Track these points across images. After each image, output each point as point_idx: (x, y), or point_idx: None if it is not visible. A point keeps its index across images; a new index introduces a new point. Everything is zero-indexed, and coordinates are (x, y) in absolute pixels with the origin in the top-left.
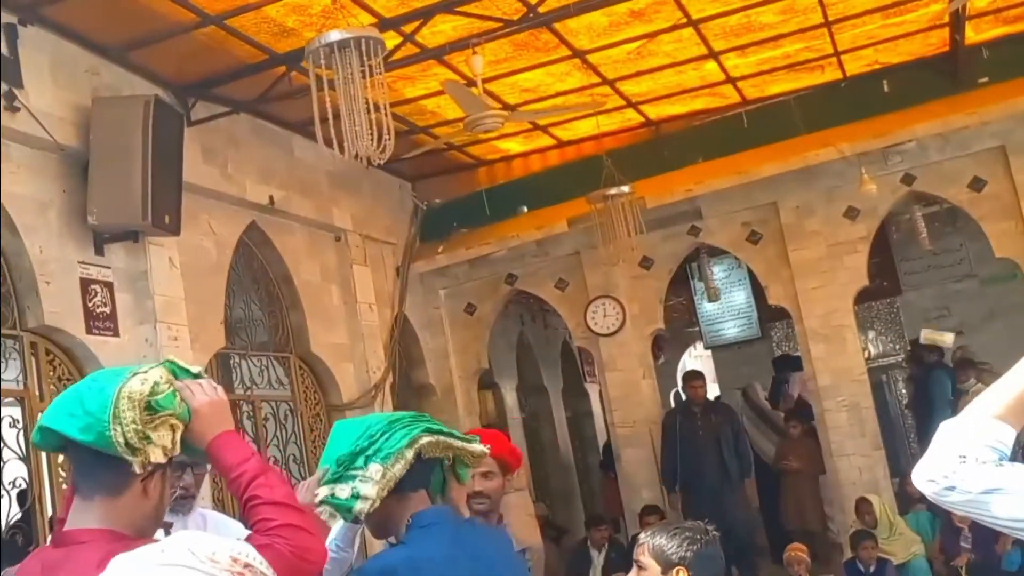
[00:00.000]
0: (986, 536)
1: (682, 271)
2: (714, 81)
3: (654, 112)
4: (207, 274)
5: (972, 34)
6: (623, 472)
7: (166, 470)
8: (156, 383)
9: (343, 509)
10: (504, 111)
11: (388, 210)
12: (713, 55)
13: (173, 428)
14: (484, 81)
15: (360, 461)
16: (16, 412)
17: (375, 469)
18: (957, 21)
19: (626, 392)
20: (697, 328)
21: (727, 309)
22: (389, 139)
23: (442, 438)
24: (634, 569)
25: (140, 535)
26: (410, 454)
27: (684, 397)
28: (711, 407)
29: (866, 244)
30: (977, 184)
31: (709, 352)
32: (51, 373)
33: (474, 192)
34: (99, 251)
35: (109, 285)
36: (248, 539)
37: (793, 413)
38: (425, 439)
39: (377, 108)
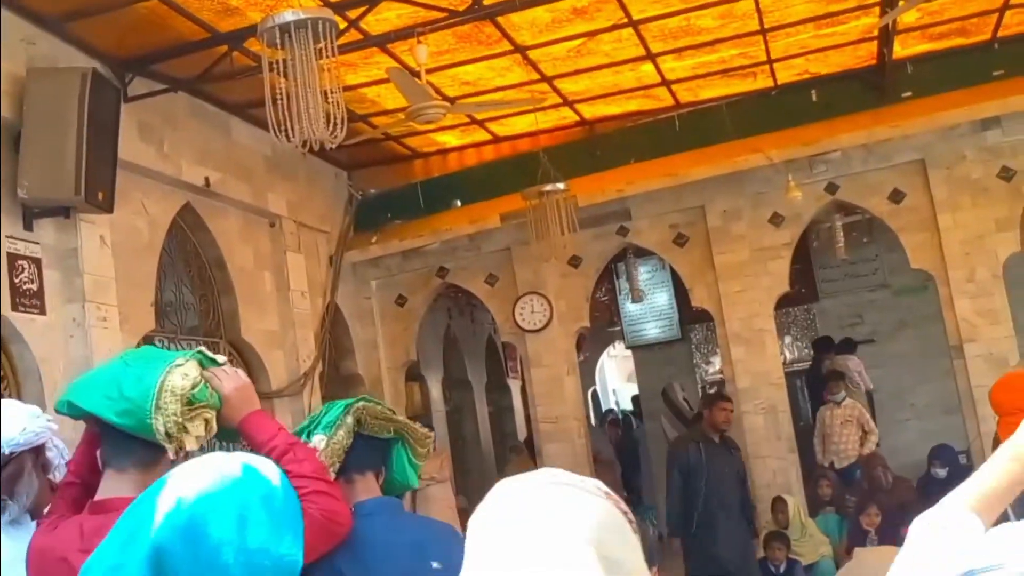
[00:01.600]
0: (888, 538)
1: (608, 270)
2: (650, 83)
3: (589, 112)
4: (139, 254)
5: (899, 48)
6: (544, 467)
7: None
8: (195, 379)
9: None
10: (445, 102)
11: (323, 198)
12: (650, 56)
13: (207, 419)
14: (426, 72)
15: (303, 436)
16: None
17: (318, 439)
18: (886, 35)
19: (550, 388)
20: (618, 327)
21: (649, 310)
22: (342, 124)
23: (380, 408)
24: None
25: None
26: (350, 420)
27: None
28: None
29: (789, 250)
30: (896, 196)
31: (628, 352)
32: None
33: (409, 184)
34: (28, 226)
35: (37, 261)
36: None
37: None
38: (361, 403)
39: (327, 93)
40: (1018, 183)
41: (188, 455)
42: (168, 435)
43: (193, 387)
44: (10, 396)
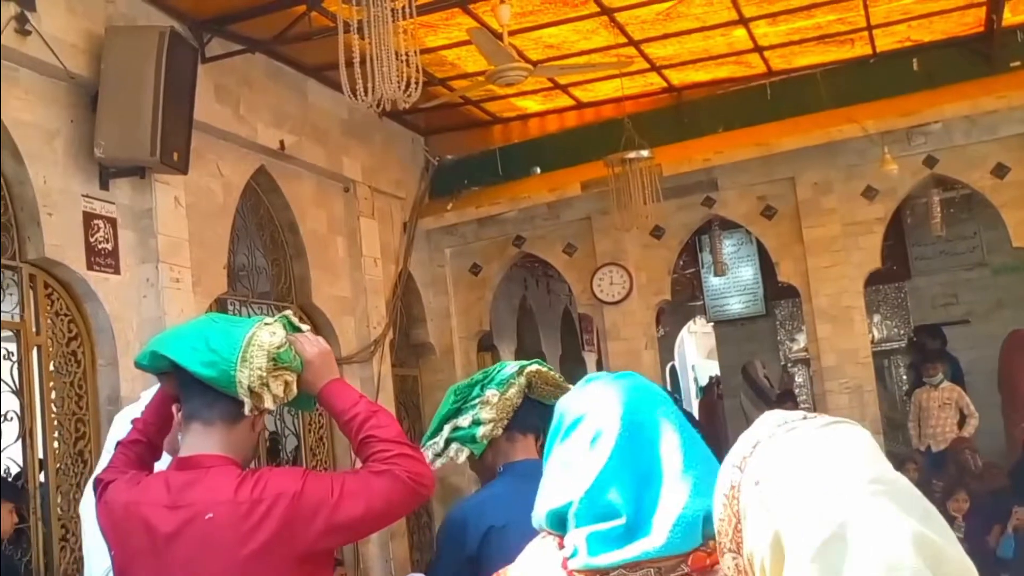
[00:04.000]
0: (977, 525)
1: (691, 243)
2: (741, 49)
3: (677, 78)
4: (212, 217)
5: (1009, 15)
6: None
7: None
8: (282, 339)
9: (467, 439)
10: (528, 65)
11: (399, 163)
12: (743, 21)
13: (287, 381)
14: (509, 34)
15: (476, 391)
16: (11, 345)
17: (491, 394)
18: (995, 1)
19: (628, 362)
20: (700, 302)
21: (733, 284)
22: (417, 83)
23: (552, 374)
24: None
25: (245, 464)
26: (522, 380)
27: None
28: None
29: (882, 225)
30: (1000, 171)
31: (709, 328)
32: (48, 307)
33: (487, 150)
34: (104, 185)
35: (112, 221)
36: (366, 468)
37: (787, 395)
38: (535, 366)
39: (403, 54)
40: None
41: (257, 417)
42: (250, 389)
43: (279, 346)
44: (83, 353)
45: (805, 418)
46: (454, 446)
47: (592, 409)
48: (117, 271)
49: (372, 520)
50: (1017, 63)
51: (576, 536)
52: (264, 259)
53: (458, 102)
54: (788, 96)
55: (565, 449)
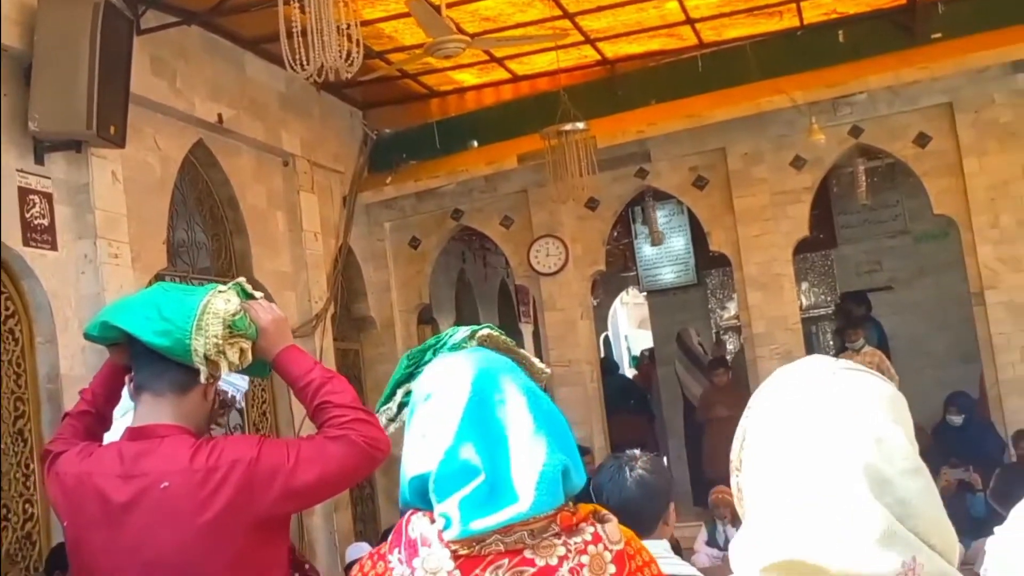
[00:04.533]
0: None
1: (624, 214)
2: (673, 21)
3: (611, 51)
4: (151, 191)
5: None
6: None
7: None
8: (237, 306)
9: None
10: (465, 37)
11: (337, 137)
12: None
13: (242, 349)
14: (446, 6)
15: (428, 355)
16: None
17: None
18: None
19: (564, 332)
20: (632, 272)
21: (666, 254)
22: (358, 52)
23: (503, 338)
24: None
25: (199, 433)
26: (474, 344)
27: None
28: None
29: (809, 195)
30: (922, 140)
31: (641, 298)
32: None
33: (425, 124)
34: (39, 160)
35: (48, 196)
36: (321, 433)
37: (720, 361)
38: (487, 330)
39: (342, 27)
40: None
41: (208, 386)
42: (206, 358)
43: (234, 314)
44: (21, 331)
45: (839, 361)
46: (407, 410)
47: (443, 382)
48: (54, 247)
49: (328, 484)
50: (938, 35)
51: (447, 505)
52: (204, 234)
53: (396, 75)
54: (719, 68)
55: (420, 421)
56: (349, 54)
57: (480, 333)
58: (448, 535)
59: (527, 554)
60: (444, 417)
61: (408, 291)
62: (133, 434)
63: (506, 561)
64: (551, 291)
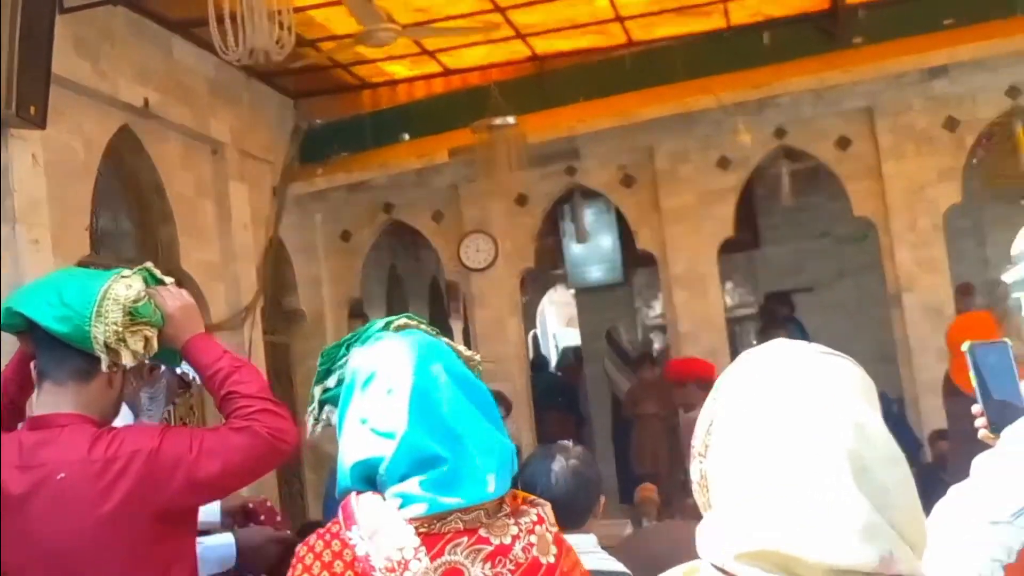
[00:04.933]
0: None
1: (552, 212)
2: (603, 18)
3: (542, 46)
4: (73, 176)
5: None
6: None
7: (127, 367)
8: (139, 291)
9: (336, 400)
10: (396, 25)
11: (268, 127)
12: None
13: (147, 337)
14: None
15: (343, 350)
16: None
17: (357, 351)
18: None
19: (493, 329)
20: (561, 270)
21: (593, 252)
22: (290, 35)
23: (423, 326)
24: None
25: (104, 423)
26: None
27: None
28: None
29: (734, 195)
30: (843, 143)
31: (569, 297)
32: None
33: (357, 115)
34: None
35: None
36: (226, 424)
37: (647, 357)
38: (403, 320)
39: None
40: (962, 134)
41: (123, 371)
42: (106, 345)
43: (136, 300)
44: None
45: (812, 344)
46: (327, 408)
47: (383, 365)
48: None
49: (232, 477)
50: (859, 39)
51: (405, 486)
52: (129, 222)
53: (327, 64)
54: (647, 67)
55: (361, 405)
56: (279, 38)
57: (397, 323)
58: (413, 511)
59: (482, 532)
60: (390, 403)
61: (339, 285)
62: (33, 423)
63: (465, 539)
64: (481, 287)
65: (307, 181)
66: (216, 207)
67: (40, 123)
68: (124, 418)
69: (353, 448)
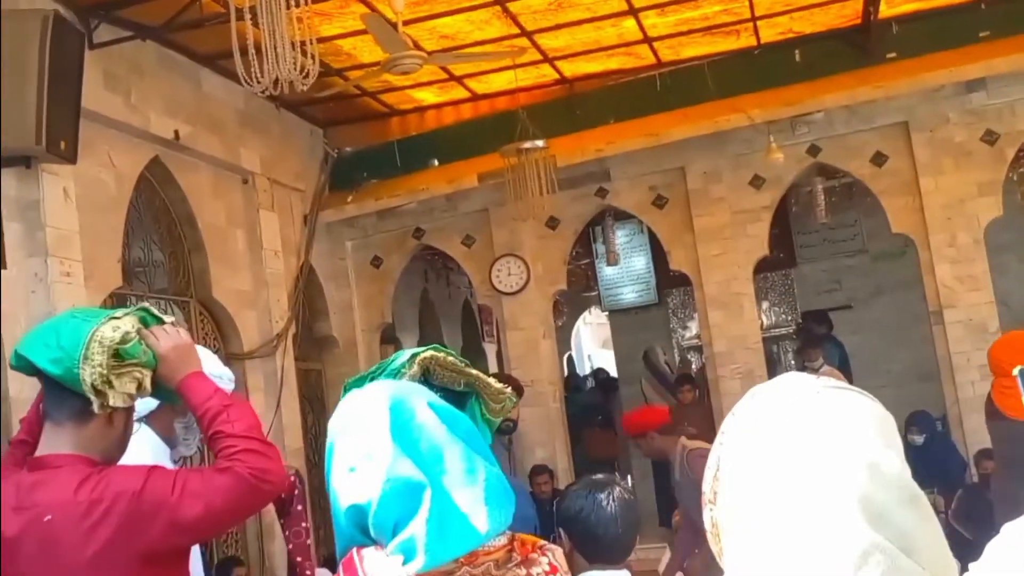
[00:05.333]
0: None
1: (584, 233)
2: (631, 40)
3: (569, 69)
4: (105, 209)
5: (885, 8)
6: (520, 430)
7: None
8: (127, 332)
9: None
10: (422, 52)
11: (298, 155)
12: (633, 11)
13: (138, 377)
14: (404, 23)
15: (367, 382)
16: None
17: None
18: None
19: (526, 351)
20: (594, 292)
21: (626, 274)
22: (314, 64)
23: (451, 359)
24: None
25: (107, 462)
26: (415, 369)
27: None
28: None
29: (769, 213)
30: (879, 159)
31: (603, 318)
32: None
33: (386, 142)
34: None
35: None
36: (213, 465)
37: (686, 377)
38: (430, 353)
39: (301, 43)
40: (1002, 146)
41: (115, 412)
42: (94, 387)
43: (124, 341)
44: None
45: (821, 379)
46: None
47: (356, 414)
48: (3, 265)
49: (215, 519)
50: (893, 54)
51: (405, 537)
52: (161, 253)
53: (355, 93)
54: (677, 87)
55: (344, 455)
56: (304, 68)
57: (422, 356)
58: (413, 567)
59: None
60: (371, 446)
61: (371, 310)
62: (32, 464)
63: None
64: (513, 310)
65: (337, 208)
66: (247, 235)
67: (71, 158)
68: (156, 450)
69: (345, 495)
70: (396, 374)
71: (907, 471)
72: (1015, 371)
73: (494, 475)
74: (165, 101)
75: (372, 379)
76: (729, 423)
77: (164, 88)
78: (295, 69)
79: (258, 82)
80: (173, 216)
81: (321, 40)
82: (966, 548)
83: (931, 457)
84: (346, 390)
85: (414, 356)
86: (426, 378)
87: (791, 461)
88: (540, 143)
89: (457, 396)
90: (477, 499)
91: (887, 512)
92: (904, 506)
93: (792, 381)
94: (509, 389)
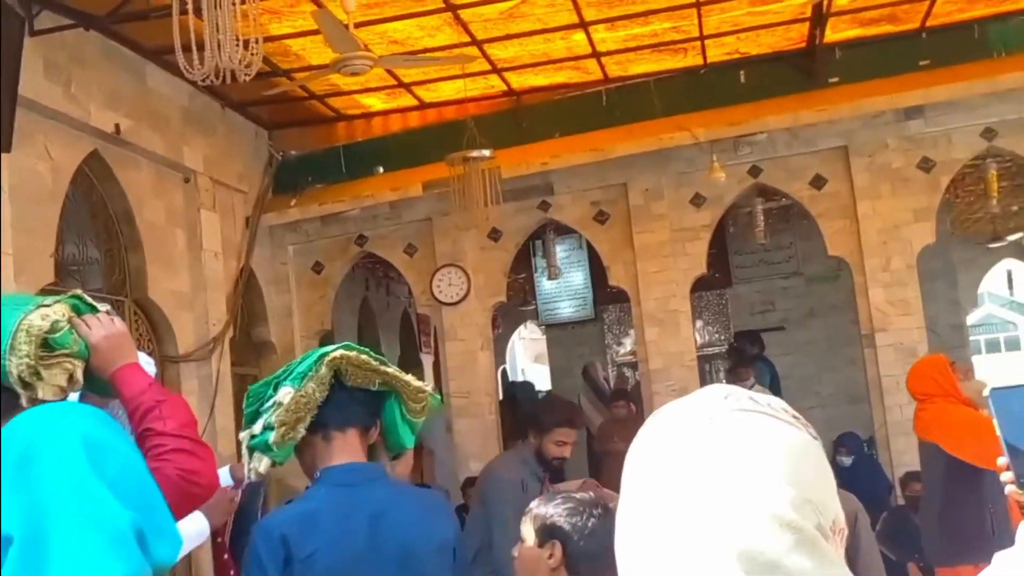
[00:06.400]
0: None
1: (524, 248)
2: (580, 54)
3: (517, 81)
4: (39, 201)
5: (830, 32)
6: (455, 442)
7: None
8: (56, 321)
9: (262, 446)
10: (372, 54)
11: (242, 156)
12: (583, 24)
13: (69, 369)
14: (354, 25)
15: (270, 391)
16: None
17: (284, 392)
18: (818, 17)
19: (463, 362)
20: (531, 306)
21: (564, 288)
22: (257, 54)
23: (364, 357)
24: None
25: None
26: (324, 371)
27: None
28: None
29: (708, 232)
30: (818, 182)
31: (539, 333)
32: None
33: (332, 147)
34: None
35: None
36: None
37: (620, 393)
38: (339, 352)
39: (247, 42)
40: (937, 174)
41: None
42: (21, 380)
43: (53, 330)
44: None
45: (733, 398)
46: (255, 455)
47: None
48: None
49: None
50: (835, 79)
51: None
52: (97, 250)
53: (302, 95)
54: (623, 103)
55: None
56: (246, 59)
57: (331, 356)
58: None
59: None
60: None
61: (310, 317)
62: None
63: None
64: (452, 321)
65: (280, 212)
66: (187, 236)
67: (5, 146)
68: None
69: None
70: (300, 378)
71: (810, 506)
72: (985, 392)
73: (122, 520)
74: (107, 94)
75: (278, 382)
76: (631, 452)
77: (106, 80)
78: (237, 58)
79: (198, 70)
80: (111, 212)
81: (270, 39)
82: (891, 570)
83: (859, 478)
84: (249, 396)
85: (322, 357)
86: (338, 379)
87: (674, 508)
88: (487, 152)
89: (374, 396)
90: (86, 547)
91: (778, 562)
92: (799, 551)
93: (699, 401)
94: (430, 387)
